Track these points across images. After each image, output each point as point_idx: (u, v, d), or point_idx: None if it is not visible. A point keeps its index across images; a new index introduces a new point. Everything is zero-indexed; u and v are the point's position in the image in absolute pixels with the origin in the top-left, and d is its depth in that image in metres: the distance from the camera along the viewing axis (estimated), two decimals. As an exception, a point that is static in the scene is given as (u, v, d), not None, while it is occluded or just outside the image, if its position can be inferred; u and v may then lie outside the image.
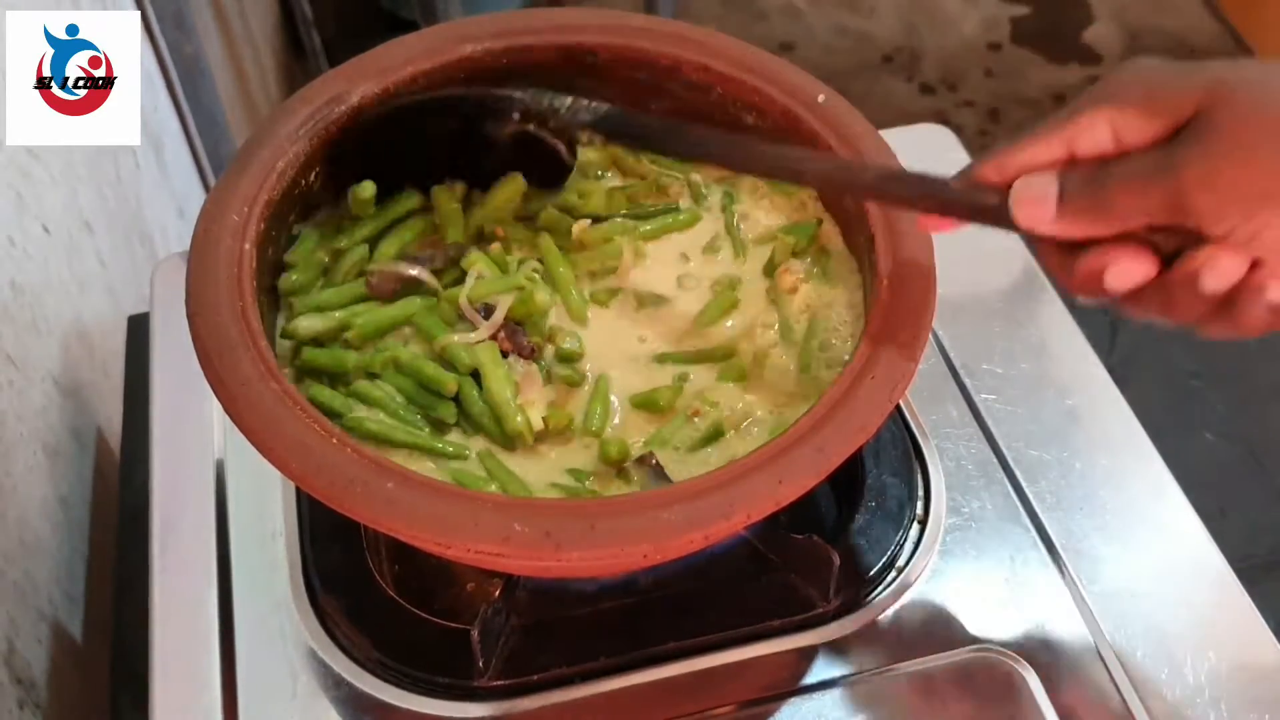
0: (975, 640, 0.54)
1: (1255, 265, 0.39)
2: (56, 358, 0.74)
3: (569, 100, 0.53)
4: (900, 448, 0.60)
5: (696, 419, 0.50)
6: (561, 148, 0.55)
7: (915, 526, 0.58)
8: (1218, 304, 0.40)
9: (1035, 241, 0.43)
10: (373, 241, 0.55)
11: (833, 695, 0.52)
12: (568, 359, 0.52)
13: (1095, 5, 2.17)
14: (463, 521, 0.41)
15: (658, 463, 0.48)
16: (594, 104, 0.53)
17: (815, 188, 0.56)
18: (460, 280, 0.53)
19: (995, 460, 0.60)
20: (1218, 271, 0.39)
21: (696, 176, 0.59)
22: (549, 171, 0.56)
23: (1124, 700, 0.52)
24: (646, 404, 0.51)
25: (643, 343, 0.54)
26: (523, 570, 0.52)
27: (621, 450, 0.49)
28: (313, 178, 0.55)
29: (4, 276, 0.67)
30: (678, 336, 0.54)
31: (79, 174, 0.82)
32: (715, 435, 0.50)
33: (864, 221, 0.52)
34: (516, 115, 0.54)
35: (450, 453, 0.49)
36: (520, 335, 0.52)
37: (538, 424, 0.49)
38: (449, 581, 0.56)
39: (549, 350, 0.52)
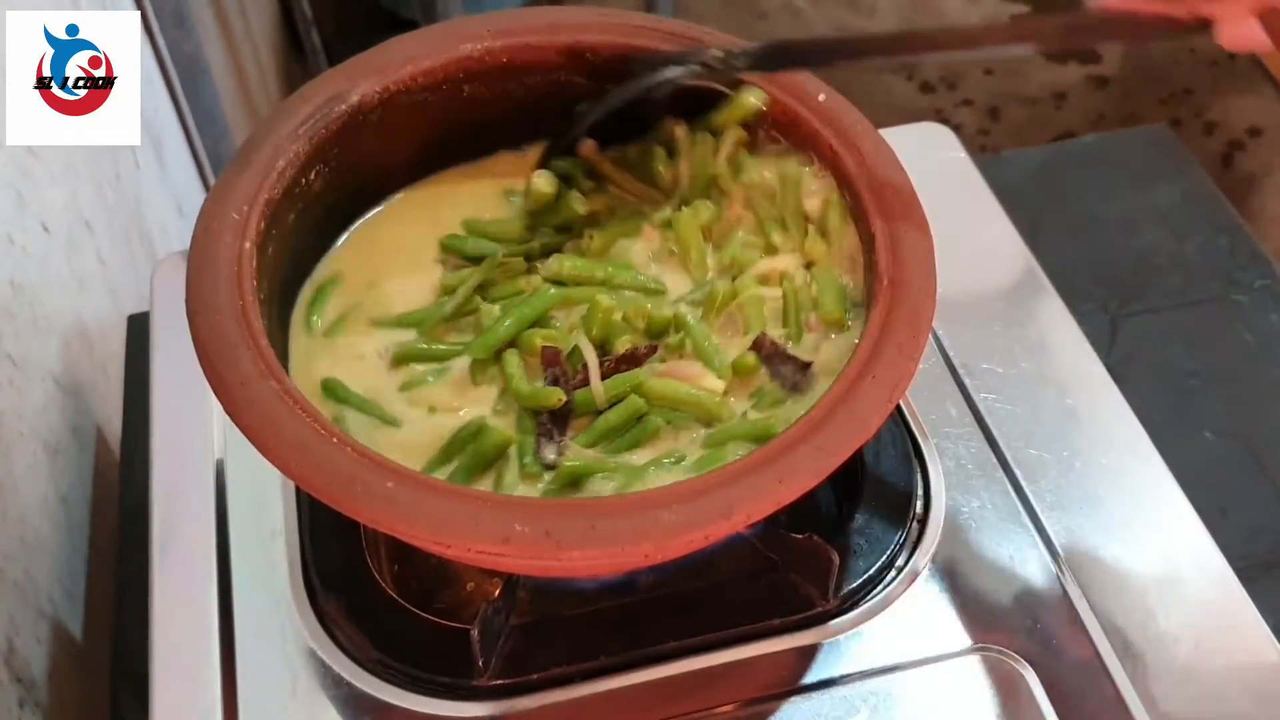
0: (975, 639, 0.54)
1: None
2: (56, 356, 0.74)
3: (719, 53, 0.55)
4: (900, 447, 0.60)
5: None
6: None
7: (915, 525, 0.58)
8: None
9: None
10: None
11: (832, 694, 0.52)
12: None
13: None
14: (463, 521, 0.41)
15: (773, 342, 0.52)
16: (744, 48, 0.55)
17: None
18: None
19: (995, 459, 0.60)
20: None
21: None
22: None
23: (1124, 700, 0.52)
24: None
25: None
26: (523, 570, 0.52)
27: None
28: (313, 176, 0.55)
29: (4, 275, 0.67)
30: None
31: (79, 173, 0.82)
32: None
33: (864, 220, 0.52)
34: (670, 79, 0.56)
35: None
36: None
37: None
38: (449, 581, 0.56)
39: None
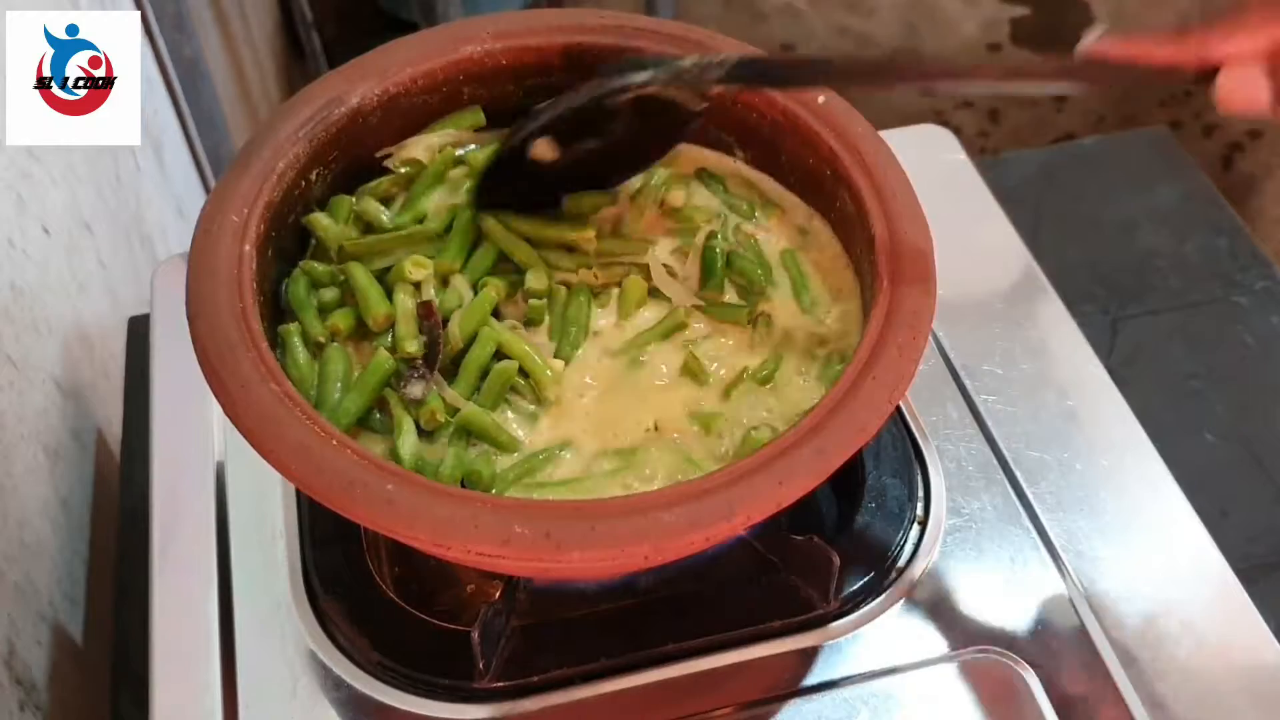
0: (975, 641, 0.54)
1: None
2: (57, 359, 0.74)
3: (691, 61, 0.52)
4: (900, 449, 0.60)
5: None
6: (685, 99, 0.53)
7: (915, 527, 0.58)
8: None
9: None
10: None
11: (833, 696, 0.52)
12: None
13: (1094, 6, 2.17)
14: (462, 523, 0.41)
15: None
16: (718, 59, 0.51)
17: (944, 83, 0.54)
18: None
19: (995, 461, 0.60)
20: None
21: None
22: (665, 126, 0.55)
23: (1124, 702, 0.52)
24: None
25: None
26: (523, 571, 0.52)
27: None
28: (313, 178, 0.55)
29: (4, 278, 0.67)
30: None
31: (79, 175, 0.82)
32: None
33: (864, 222, 0.52)
34: (635, 84, 0.52)
35: None
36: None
37: None
38: (449, 583, 0.56)
39: None
